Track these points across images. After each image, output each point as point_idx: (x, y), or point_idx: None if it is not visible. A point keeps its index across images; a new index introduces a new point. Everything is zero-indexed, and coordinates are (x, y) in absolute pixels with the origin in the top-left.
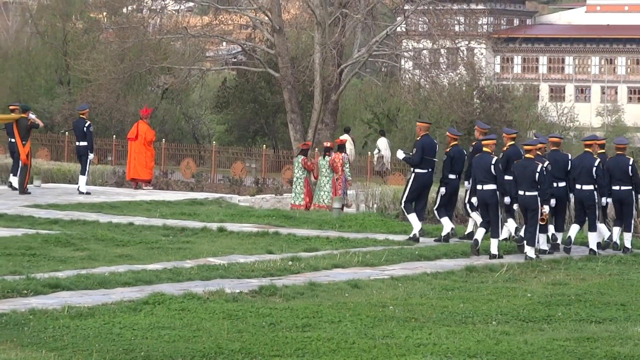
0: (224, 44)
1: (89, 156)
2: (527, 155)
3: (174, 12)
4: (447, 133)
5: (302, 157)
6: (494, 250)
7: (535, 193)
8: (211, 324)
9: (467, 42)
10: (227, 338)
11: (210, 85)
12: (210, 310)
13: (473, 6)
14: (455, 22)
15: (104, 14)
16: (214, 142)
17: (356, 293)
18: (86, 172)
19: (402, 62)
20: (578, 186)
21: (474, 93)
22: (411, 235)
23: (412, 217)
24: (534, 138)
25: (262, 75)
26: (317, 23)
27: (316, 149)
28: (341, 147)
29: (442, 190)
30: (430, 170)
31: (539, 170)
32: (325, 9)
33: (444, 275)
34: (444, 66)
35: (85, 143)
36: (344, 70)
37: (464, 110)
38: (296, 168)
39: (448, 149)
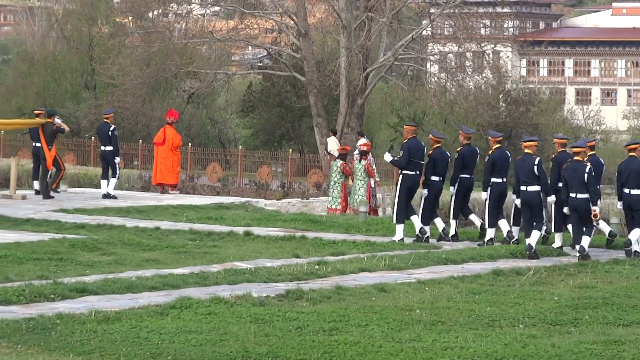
0: (250, 48)
1: (115, 160)
2: (576, 158)
3: (199, 16)
4: (431, 136)
5: (341, 161)
6: (532, 242)
7: (587, 195)
8: (238, 328)
9: (493, 46)
10: (254, 342)
11: (236, 89)
12: (237, 314)
13: (499, 9)
14: (481, 25)
15: (130, 18)
16: (240, 146)
17: (383, 297)
18: (117, 176)
19: (428, 65)
20: (626, 190)
21: (500, 96)
22: (418, 235)
23: (400, 228)
24: (582, 139)
25: (288, 79)
26: (343, 27)
27: (354, 152)
28: (364, 152)
29: (425, 192)
30: (417, 172)
31: (587, 171)
32: (351, 12)
33: (471, 279)
34: (470, 69)
35: (110, 148)
36: (369, 74)
37: (490, 114)
38: (334, 172)
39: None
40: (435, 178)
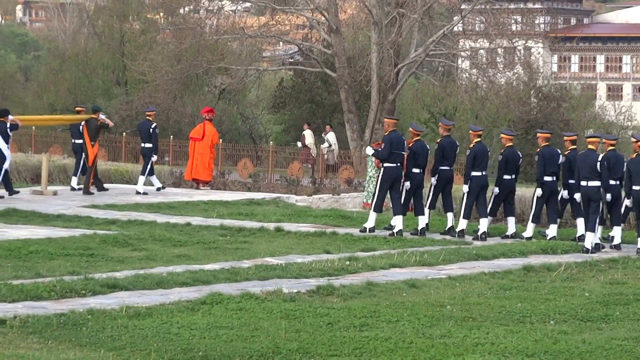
0: (281, 44)
1: (152, 158)
2: (590, 147)
3: (230, 12)
4: (410, 129)
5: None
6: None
7: (598, 183)
8: (269, 323)
9: (524, 42)
10: (284, 338)
11: (267, 85)
12: (268, 310)
13: (530, 5)
14: (512, 21)
15: (161, 14)
16: (271, 142)
17: (414, 292)
18: (146, 173)
19: (459, 61)
20: (636, 187)
21: (531, 92)
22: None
23: (373, 216)
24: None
25: (319, 75)
26: (374, 23)
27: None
28: None
29: (407, 184)
30: (399, 164)
31: (599, 160)
32: (382, 8)
33: (502, 275)
34: (501, 65)
35: (150, 145)
36: (400, 70)
37: (521, 110)
38: (369, 167)
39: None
40: (416, 170)
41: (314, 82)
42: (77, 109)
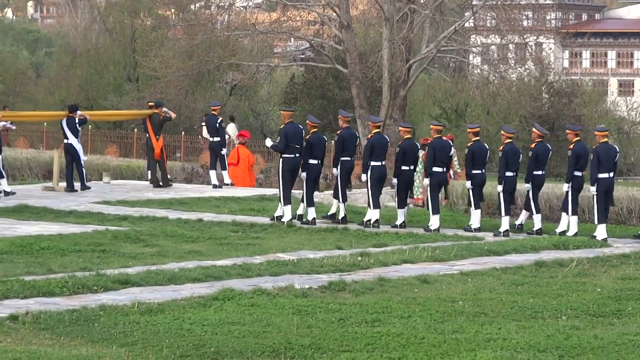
0: (292, 40)
1: (222, 151)
2: (604, 140)
3: (242, 8)
4: (308, 121)
5: (423, 152)
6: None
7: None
8: (281, 319)
9: (535, 37)
10: (296, 333)
11: (279, 81)
12: (280, 305)
13: (541, 1)
14: (524, 17)
15: (172, 10)
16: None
17: (425, 288)
18: (226, 166)
19: (471, 57)
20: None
21: (543, 88)
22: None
23: (287, 209)
24: None
25: (330, 71)
26: (385, 19)
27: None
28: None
29: (303, 175)
30: (297, 155)
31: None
32: (394, 4)
33: (513, 270)
34: (513, 61)
35: (218, 139)
36: (412, 65)
37: (533, 105)
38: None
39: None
40: (313, 161)
41: (325, 78)
42: (149, 104)
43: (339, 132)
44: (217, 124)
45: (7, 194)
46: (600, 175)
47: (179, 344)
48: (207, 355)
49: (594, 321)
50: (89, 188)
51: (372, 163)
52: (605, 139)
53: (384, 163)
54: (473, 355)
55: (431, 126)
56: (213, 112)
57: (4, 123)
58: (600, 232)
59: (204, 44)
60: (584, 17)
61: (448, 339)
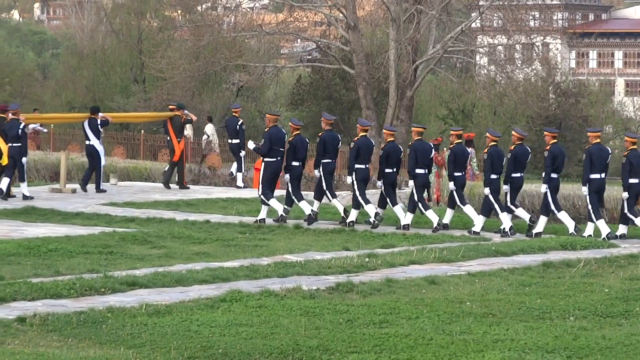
0: (299, 41)
1: (241, 153)
2: (597, 141)
3: (248, 9)
4: (290, 124)
5: (434, 152)
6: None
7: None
8: (288, 320)
9: (542, 38)
10: (304, 335)
11: (285, 82)
12: (288, 307)
13: (548, 1)
14: (531, 17)
15: (179, 12)
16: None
17: (433, 289)
18: (242, 169)
19: (477, 57)
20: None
21: (550, 88)
22: (278, 217)
23: (273, 202)
24: None
25: (337, 72)
26: (392, 19)
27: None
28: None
29: (287, 176)
30: (279, 158)
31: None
32: (400, 5)
33: (521, 271)
34: (519, 62)
35: (237, 140)
36: (419, 66)
37: (540, 106)
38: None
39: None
40: (295, 163)
41: (332, 79)
42: (171, 107)
43: (320, 134)
44: (238, 126)
45: (25, 197)
46: (592, 176)
47: (186, 345)
48: (214, 356)
49: (602, 322)
50: (104, 191)
51: (357, 165)
52: (598, 140)
53: (368, 166)
54: (481, 356)
55: (412, 128)
56: (234, 114)
57: (34, 126)
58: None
59: (210, 45)
60: (591, 17)
61: (456, 340)
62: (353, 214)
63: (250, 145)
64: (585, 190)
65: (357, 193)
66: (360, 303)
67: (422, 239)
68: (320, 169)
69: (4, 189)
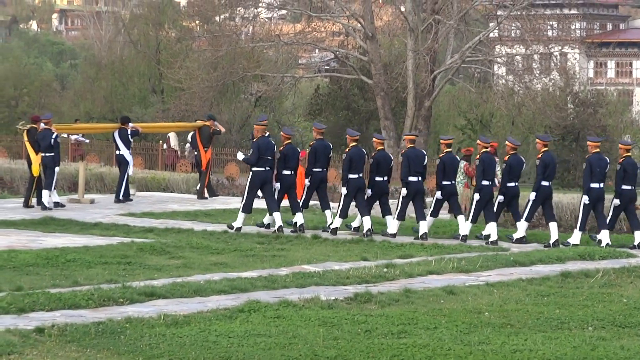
0: (317, 51)
1: None
2: (597, 150)
3: (266, 20)
4: (282, 133)
5: (465, 162)
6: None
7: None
8: (307, 331)
9: (560, 47)
10: (322, 345)
11: (303, 92)
12: (306, 317)
13: (566, 11)
14: (548, 27)
15: (197, 22)
16: (307, 149)
17: (451, 299)
18: None
19: (495, 67)
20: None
21: (568, 98)
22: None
23: (276, 215)
24: None
25: (355, 82)
26: (410, 30)
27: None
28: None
29: (277, 185)
30: (267, 168)
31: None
32: (418, 15)
33: (539, 281)
34: (537, 71)
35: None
36: (437, 76)
37: (558, 116)
38: (459, 173)
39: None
40: (286, 172)
41: (350, 89)
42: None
43: (312, 143)
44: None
45: (57, 204)
46: (592, 185)
47: (204, 356)
48: None
49: (621, 332)
50: (121, 201)
51: (350, 176)
52: (597, 150)
53: (361, 175)
54: None
55: (404, 137)
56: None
57: (76, 136)
58: (604, 236)
59: (228, 55)
60: (609, 27)
61: (474, 350)
62: (337, 222)
63: (239, 156)
64: (586, 199)
65: (342, 201)
66: (379, 313)
67: (441, 249)
68: (309, 179)
69: (47, 203)
